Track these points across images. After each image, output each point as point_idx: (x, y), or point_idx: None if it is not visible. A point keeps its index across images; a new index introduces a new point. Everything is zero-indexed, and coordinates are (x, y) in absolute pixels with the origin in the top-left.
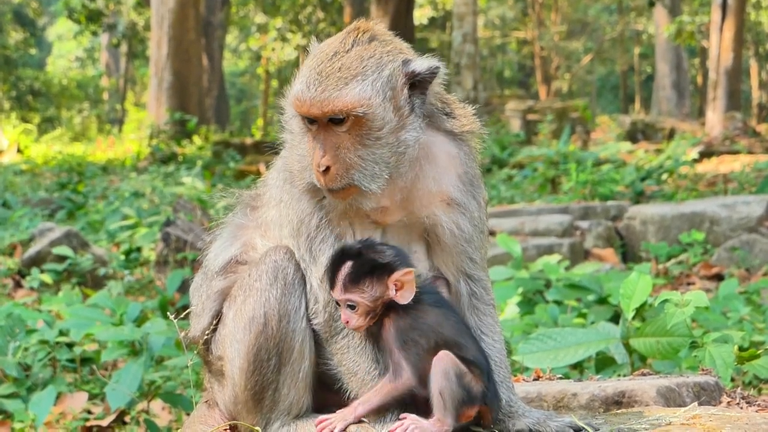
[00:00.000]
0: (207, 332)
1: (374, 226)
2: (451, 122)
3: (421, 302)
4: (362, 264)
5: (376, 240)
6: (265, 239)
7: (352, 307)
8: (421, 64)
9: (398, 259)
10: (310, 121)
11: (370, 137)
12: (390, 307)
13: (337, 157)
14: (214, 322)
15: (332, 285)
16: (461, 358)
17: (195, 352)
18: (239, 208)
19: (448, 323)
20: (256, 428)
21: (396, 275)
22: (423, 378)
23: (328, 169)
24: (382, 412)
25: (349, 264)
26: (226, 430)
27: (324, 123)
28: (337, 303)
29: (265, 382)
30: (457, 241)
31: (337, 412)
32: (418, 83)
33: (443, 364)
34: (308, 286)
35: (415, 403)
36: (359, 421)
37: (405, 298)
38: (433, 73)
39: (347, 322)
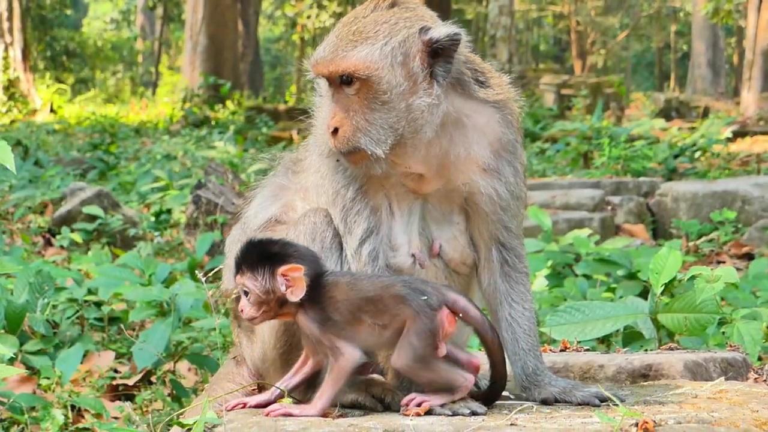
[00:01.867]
0: None
1: (413, 197)
2: (484, 91)
3: (322, 286)
4: (257, 250)
5: (294, 242)
6: (305, 202)
7: (246, 294)
8: (440, 31)
9: (295, 255)
10: (328, 82)
11: (377, 101)
12: (298, 306)
13: (345, 120)
14: None
15: (235, 270)
16: (379, 312)
17: (223, 311)
18: (280, 169)
19: (345, 288)
20: (282, 387)
21: (283, 268)
22: (362, 346)
23: (337, 130)
24: (340, 395)
25: (248, 249)
26: (253, 389)
27: (337, 85)
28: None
29: (294, 342)
30: (495, 208)
31: (297, 406)
32: (440, 51)
33: (406, 371)
34: (344, 255)
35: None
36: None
37: (295, 295)
38: (453, 41)
39: (242, 310)
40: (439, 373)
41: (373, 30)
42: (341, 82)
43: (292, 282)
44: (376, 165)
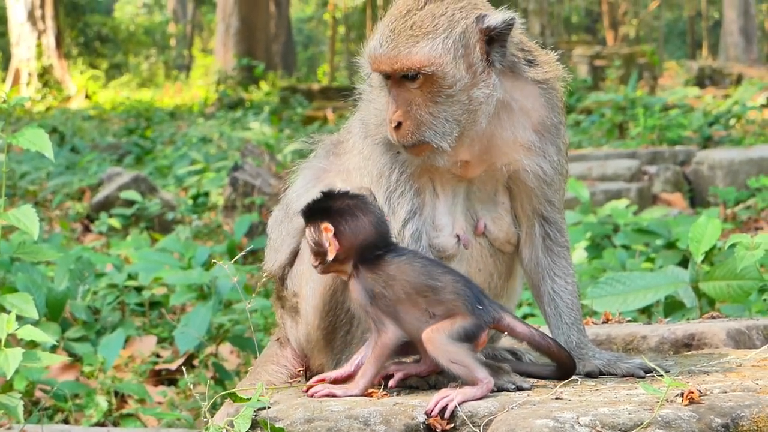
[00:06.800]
0: (283, 267)
1: (457, 180)
2: (533, 70)
3: (382, 258)
4: (319, 203)
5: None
6: (347, 185)
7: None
8: (496, 18)
9: (336, 213)
10: (385, 76)
11: (441, 95)
12: (354, 269)
13: (408, 114)
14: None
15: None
16: (437, 301)
17: (259, 289)
18: (321, 151)
19: (413, 269)
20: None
21: (323, 224)
22: (405, 328)
23: (400, 125)
24: (382, 373)
25: (315, 200)
26: (299, 371)
27: (397, 79)
28: None
29: (338, 323)
30: (540, 184)
31: (339, 386)
32: (495, 38)
33: (434, 343)
34: None
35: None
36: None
37: (330, 253)
38: (509, 26)
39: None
40: (464, 361)
41: (432, 23)
42: (402, 76)
43: (330, 240)
44: (439, 157)
